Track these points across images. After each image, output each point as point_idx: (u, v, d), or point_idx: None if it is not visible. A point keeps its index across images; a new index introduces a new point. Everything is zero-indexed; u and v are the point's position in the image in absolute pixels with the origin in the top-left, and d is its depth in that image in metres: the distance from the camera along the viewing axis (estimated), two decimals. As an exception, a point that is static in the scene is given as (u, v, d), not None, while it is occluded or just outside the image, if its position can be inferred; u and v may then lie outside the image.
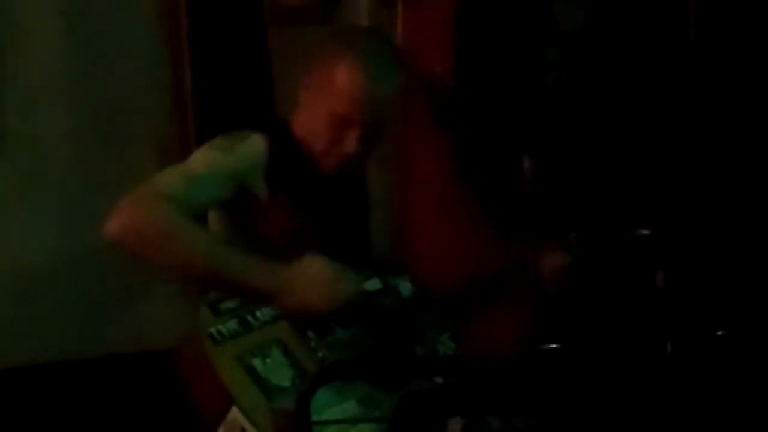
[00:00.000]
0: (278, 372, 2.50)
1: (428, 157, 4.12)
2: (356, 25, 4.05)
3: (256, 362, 2.49)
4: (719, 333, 2.54)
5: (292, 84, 4.19)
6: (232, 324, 2.54)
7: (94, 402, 3.84)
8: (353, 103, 2.69)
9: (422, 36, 4.11)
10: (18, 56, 3.94)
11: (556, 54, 3.82)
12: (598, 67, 3.68)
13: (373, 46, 2.78)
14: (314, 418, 2.33)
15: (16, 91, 3.94)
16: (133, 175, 3.87)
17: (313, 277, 2.59)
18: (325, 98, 2.72)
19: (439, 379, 2.70)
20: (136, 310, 4.04)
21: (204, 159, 2.69)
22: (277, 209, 2.72)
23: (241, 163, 2.70)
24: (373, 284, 2.82)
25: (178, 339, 2.69)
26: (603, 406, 2.96)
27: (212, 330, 2.51)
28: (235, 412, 2.42)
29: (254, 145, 2.73)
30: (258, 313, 2.59)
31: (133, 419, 3.81)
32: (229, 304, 2.57)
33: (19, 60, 3.95)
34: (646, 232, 2.69)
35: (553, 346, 2.67)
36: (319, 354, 2.58)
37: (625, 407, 2.91)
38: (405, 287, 2.89)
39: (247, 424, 2.41)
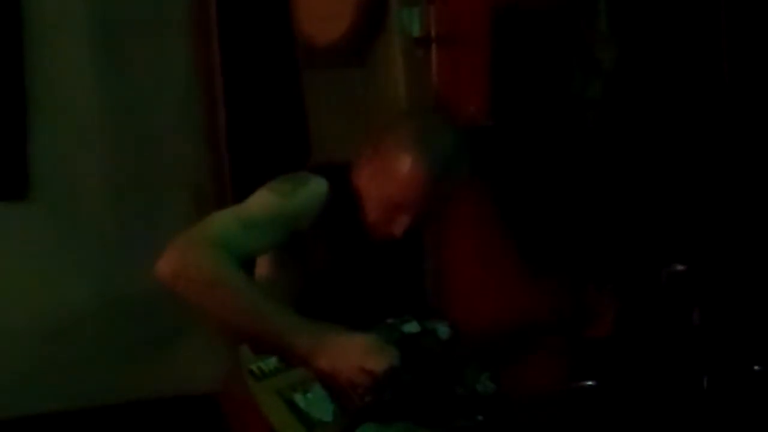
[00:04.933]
0: (320, 407, 2.62)
1: (464, 200, 4.17)
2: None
3: (298, 397, 2.61)
4: (756, 368, 2.64)
5: (326, 125, 4.35)
6: (272, 361, 2.66)
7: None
8: (410, 195, 2.75)
9: (457, 76, 4.16)
10: (51, 104, 4.14)
11: (597, 91, 3.85)
12: (633, 104, 3.72)
13: (441, 137, 2.79)
14: None
15: (50, 138, 4.12)
16: (166, 220, 4.07)
17: (347, 347, 2.66)
18: (385, 181, 2.77)
19: (478, 418, 2.80)
20: (171, 354, 4.17)
21: (262, 203, 2.74)
22: (321, 253, 2.80)
23: (300, 208, 2.75)
24: (412, 327, 2.92)
25: (222, 375, 2.78)
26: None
27: (253, 367, 2.64)
28: None
29: (316, 190, 2.78)
30: None
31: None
32: None
33: (53, 107, 4.14)
34: (681, 267, 2.77)
35: (589, 383, 2.78)
36: (359, 390, 2.69)
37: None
38: (443, 331, 2.97)
39: None
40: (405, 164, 2.72)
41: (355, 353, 2.65)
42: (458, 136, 2.83)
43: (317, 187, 2.78)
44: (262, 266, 2.84)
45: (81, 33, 4.18)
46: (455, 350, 2.89)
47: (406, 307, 2.88)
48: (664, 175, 3.62)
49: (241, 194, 2.86)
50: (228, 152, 4.28)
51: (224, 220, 2.70)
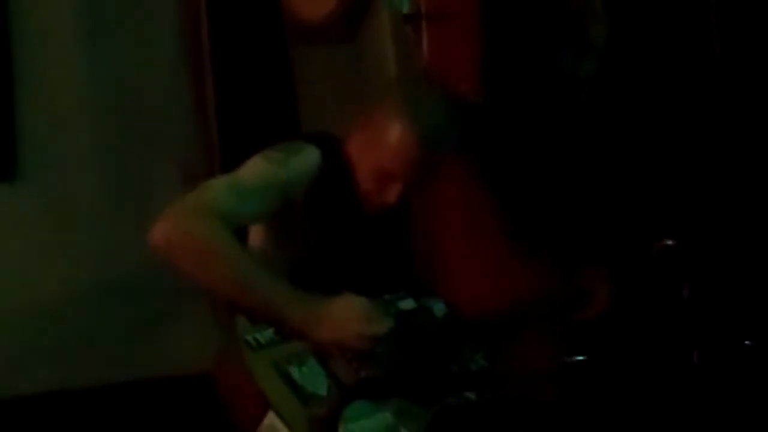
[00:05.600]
0: (314, 380, 2.63)
1: (455, 177, 4.18)
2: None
3: (293, 370, 2.62)
4: (747, 342, 2.66)
5: (316, 103, 4.36)
6: (268, 333, 2.66)
7: (121, 427, 3.99)
8: (402, 163, 2.78)
9: (447, 54, 4.16)
10: (38, 83, 4.13)
11: (590, 69, 3.87)
12: (624, 81, 3.74)
13: (431, 105, 2.83)
14: (350, 426, 2.52)
15: (38, 119, 4.11)
16: (157, 200, 4.06)
17: (345, 314, 2.68)
18: (376, 150, 2.80)
19: (471, 395, 2.81)
20: (162, 335, 4.17)
21: (256, 171, 2.74)
22: (314, 226, 2.82)
23: (293, 177, 2.77)
24: (408, 304, 2.93)
25: (214, 349, 2.79)
26: (631, 417, 3.05)
27: (249, 337, 2.64)
28: (272, 417, 2.55)
29: (309, 159, 2.80)
30: None
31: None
32: None
33: (40, 88, 4.13)
34: (671, 242, 2.78)
35: (580, 358, 2.80)
36: (354, 365, 2.70)
37: (652, 417, 3.00)
38: (439, 308, 2.99)
39: (283, 429, 2.54)
40: (396, 132, 2.76)
41: (352, 321, 2.67)
42: (448, 104, 2.86)
43: (310, 156, 2.80)
44: (254, 239, 2.85)
45: (67, 12, 4.17)
46: (450, 329, 2.91)
47: (395, 280, 2.90)
48: (656, 151, 3.64)
49: (230, 171, 2.86)
50: (217, 129, 4.28)
51: (218, 187, 2.70)
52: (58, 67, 4.15)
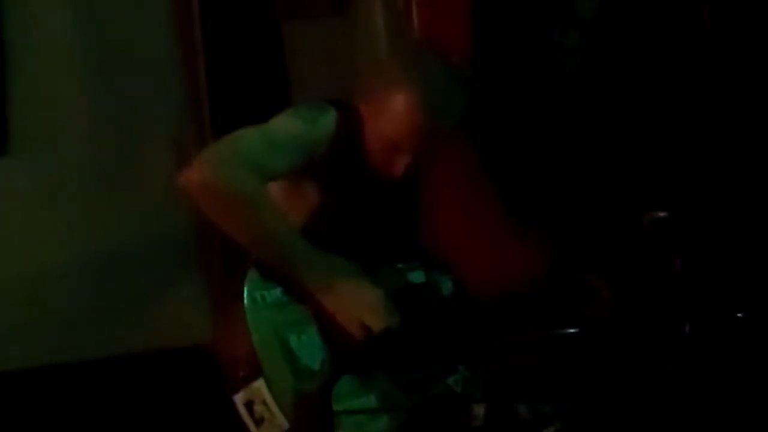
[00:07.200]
0: (310, 352, 2.61)
1: (453, 153, 4.17)
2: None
3: (292, 338, 2.60)
4: (739, 315, 2.65)
5: (307, 76, 4.35)
6: (276, 292, 2.64)
7: (111, 401, 4.00)
8: (408, 133, 2.76)
9: (438, 25, 4.16)
10: (31, 57, 4.11)
11: (575, 41, 3.87)
12: (614, 52, 3.74)
13: (437, 75, 2.80)
14: (333, 406, 2.46)
15: (29, 92, 4.10)
16: (148, 174, 4.07)
17: (354, 297, 2.67)
18: (381, 121, 2.79)
19: (457, 387, 2.80)
20: (156, 307, 4.17)
21: (287, 125, 2.74)
22: (328, 191, 2.81)
23: (322, 135, 2.77)
24: (417, 277, 2.91)
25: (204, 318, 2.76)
26: (624, 390, 3.05)
27: (257, 294, 2.62)
28: (261, 383, 2.53)
29: (332, 120, 2.80)
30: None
31: (151, 416, 3.95)
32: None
33: (32, 60, 4.11)
34: (663, 214, 2.77)
35: (571, 330, 2.78)
36: (348, 344, 2.65)
37: (644, 390, 3.00)
38: (447, 285, 2.96)
39: (269, 398, 2.52)
40: (400, 102, 2.73)
41: (359, 305, 2.66)
42: (451, 74, 2.83)
43: (333, 117, 2.80)
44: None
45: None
46: (454, 310, 2.89)
47: (403, 252, 2.90)
48: (646, 122, 3.64)
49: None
50: (209, 105, 4.27)
51: (252, 138, 2.69)
52: (50, 41, 4.14)
